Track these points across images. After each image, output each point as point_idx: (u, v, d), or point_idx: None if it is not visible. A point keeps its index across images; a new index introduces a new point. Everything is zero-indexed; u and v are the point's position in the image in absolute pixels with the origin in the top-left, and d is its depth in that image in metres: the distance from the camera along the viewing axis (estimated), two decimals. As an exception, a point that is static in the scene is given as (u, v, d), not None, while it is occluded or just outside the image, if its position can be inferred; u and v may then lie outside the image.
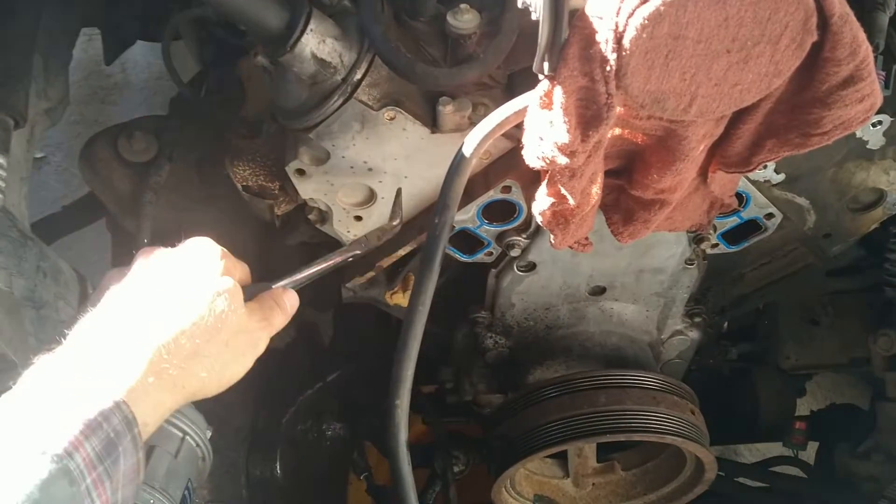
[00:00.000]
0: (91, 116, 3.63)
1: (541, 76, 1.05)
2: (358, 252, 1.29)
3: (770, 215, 1.50)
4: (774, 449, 2.46)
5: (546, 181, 1.20)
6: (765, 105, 1.10)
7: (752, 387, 2.08)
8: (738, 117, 1.13)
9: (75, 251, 3.28)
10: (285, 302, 1.14)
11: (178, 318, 0.96)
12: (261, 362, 1.98)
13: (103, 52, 2.12)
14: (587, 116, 1.05)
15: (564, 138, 1.06)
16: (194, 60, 2.29)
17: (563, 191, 1.17)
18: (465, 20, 1.27)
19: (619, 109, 1.10)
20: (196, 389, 0.97)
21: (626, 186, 1.30)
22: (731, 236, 1.56)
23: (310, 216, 1.55)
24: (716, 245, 1.57)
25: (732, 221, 1.53)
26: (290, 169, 1.41)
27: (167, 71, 1.75)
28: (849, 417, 2.08)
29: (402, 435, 1.16)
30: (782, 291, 1.79)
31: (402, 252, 1.57)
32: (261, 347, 1.07)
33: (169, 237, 1.88)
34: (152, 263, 1.05)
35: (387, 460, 2.21)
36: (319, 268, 1.25)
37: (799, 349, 1.99)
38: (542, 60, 1.04)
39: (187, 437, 1.41)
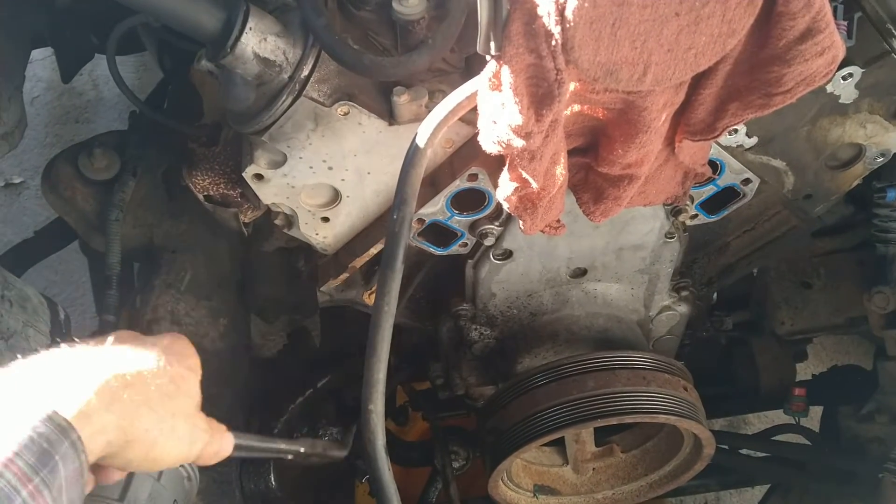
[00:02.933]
0: (67, 137, 3.59)
1: (487, 57, 1.01)
2: (300, 451, 1.29)
3: (747, 181, 1.45)
4: (782, 416, 2.42)
5: (507, 165, 1.15)
6: (723, 68, 1.06)
7: (750, 355, 2.03)
8: (698, 83, 1.09)
9: (61, 274, 3.27)
10: (228, 439, 1.13)
11: (139, 364, 0.96)
12: (249, 371, 1.95)
13: (59, 71, 2.08)
14: (539, 95, 1.01)
15: (518, 120, 1.02)
16: (158, 68, 2.25)
17: (525, 174, 1.13)
18: (410, 5, 1.22)
19: (574, 85, 1.06)
20: (134, 438, 0.92)
21: (593, 164, 1.25)
22: (709, 205, 1.52)
23: (276, 221, 1.51)
24: (695, 216, 1.52)
25: (709, 190, 1.48)
26: (248, 174, 1.37)
27: (118, 86, 1.70)
28: (851, 379, 2.04)
29: (380, 441, 1.12)
30: (770, 257, 1.75)
31: (374, 251, 1.52)
32: (192, 450, 1.03)
33: (140, 254, 1.87)
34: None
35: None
36: (268, 447, 1.26)
37: (793, 314, 1.94)
38: (487, 40, 0.99)
39: (170, 458, 1.37)
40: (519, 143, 1.05)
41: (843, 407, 1.88)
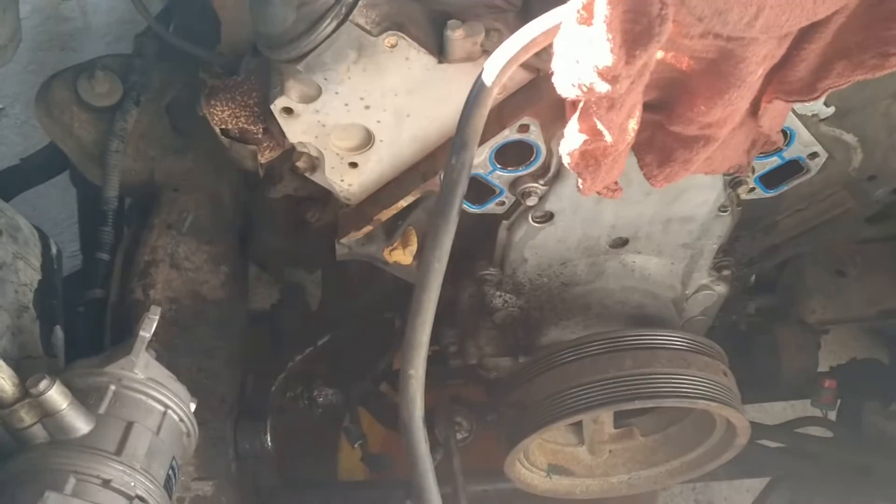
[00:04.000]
0: (50, 64, 3.39)
1: (578, -17, 0.89)
2: None
3: (814, 154, 1.35)
4: (779, 406, 2.36)
5: (578, 114, 1.03)
6: (837, 19, 0.94)
7: (773, 343, 1.95)
8: (805, 35, 0.97)
9: (39, 210, 3.11)
10: None
11: None
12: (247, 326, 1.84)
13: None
14: (635, 32, 0.88)
15: (607, 60, 0.89)
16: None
17: (599, 125, 1.01)
18: (477, -73, 1.09)
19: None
20: None
21: (665, 122, 1.13)
22: (768, 179, 1.42)
23: (298, 163, 1.38)
24: (753, 189, 1.42)
25: (772, 162, 1.37)
26: (276, 107, 1.24)
27: (132, 2, 1.55)
28: (874, 373, 1.97)
29: (418, 410, 1.02)
30: (816, 240, 1.65)
31: (403, 203, 1.41)
32: None
33: (137, 190, 1.74)
34: None
35: (379, 425, 2.09)
36: None
37: (825, 302, 1.86)
38: (581, -37, 0.87)
39: (169, 412, 1.27)
40: (603, 87, 0.93)
41: (869, 402, 1.81)
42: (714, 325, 1.78)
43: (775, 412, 2.43)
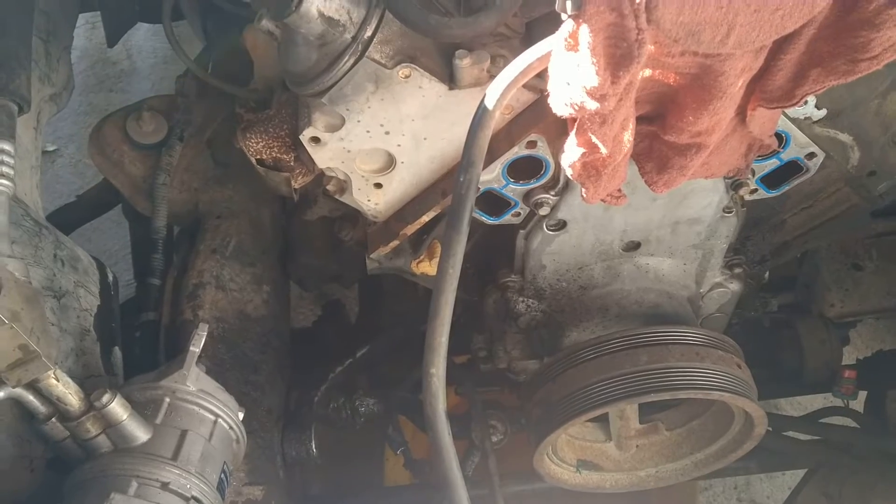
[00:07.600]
0: (100, 106, 3.60)
1: (564, 15, 0.98)
2: None
3: (811, 155, 1.42)
4: (817, 402, 2.38)
5: (575, 130, 1.13)
6: (807, 31, 1.03)
7: (796, 338, 2.00)
8: (779, 47, 1.06)
9: (95, 243, 3.29)
10: None
11: None
12: (290, 341, 1.95)
13: (105, 34, 2.07)
14: (617, 56, 0.98)
15: (593, 81, 0.99)
16: (198, 37, 2.24)
17: (594, 139, 1.11)
18: (477, -35, 1.20)
19: (649, 48, 1.04)
20: None
21: (659, 132, 1.23)
22: (770, 180, 1.49)
23: (328, 187, 1.50)
24: (755, 190, 1.49)
25: (772, 164, 1.45)
26: (305, 137, 1.35)
27: (172, 48, 1.69)
28: (896, 363, 2.01)
29: (441, 405, 1.11)
30: (825, 236, 1.71)
31: (425, 218, 1.51)
32: None
33: (183, 219, 1.87)
34: None
35: (423, 433, 2.18)
36: None
37: (843, 296, 1.91)
38: (565, -1, 0.97)
39: (220, 420, 1.37)
40: (592, 105, 1.02)
41: (893, 391, 1.85)
42: (737, 323, 1.85)
43: (813, 408, 2.46)
